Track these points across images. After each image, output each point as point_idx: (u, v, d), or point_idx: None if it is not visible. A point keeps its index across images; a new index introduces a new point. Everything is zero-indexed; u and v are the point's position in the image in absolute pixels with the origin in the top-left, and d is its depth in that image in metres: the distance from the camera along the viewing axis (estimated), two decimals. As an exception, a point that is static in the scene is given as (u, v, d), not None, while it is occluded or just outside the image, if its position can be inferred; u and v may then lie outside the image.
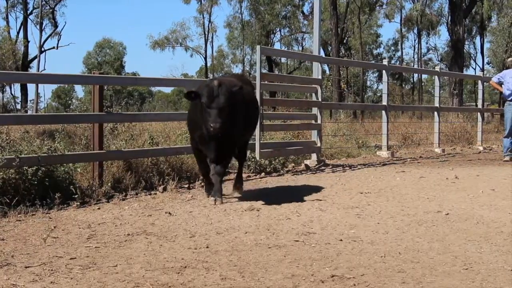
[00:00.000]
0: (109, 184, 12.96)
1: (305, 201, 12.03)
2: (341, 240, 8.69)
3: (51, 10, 75.56)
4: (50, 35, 75.80)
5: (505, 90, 20.75)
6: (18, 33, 75.55)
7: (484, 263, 7.68)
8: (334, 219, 10.10)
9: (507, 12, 61.08)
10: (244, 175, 15.32)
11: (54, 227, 9.78)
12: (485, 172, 16.89)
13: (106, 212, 11.21)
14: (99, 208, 11.54)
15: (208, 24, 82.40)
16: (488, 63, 77.16)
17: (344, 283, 6.97)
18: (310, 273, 7.34)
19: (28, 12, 74.33)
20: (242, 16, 79.64)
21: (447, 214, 10.71)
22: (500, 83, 21.52)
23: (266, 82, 18.73)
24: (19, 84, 67.24)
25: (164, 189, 13.36)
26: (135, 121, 17.09)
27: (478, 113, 28.12)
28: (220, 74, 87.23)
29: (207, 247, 8.62)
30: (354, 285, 6.90)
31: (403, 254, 8.02)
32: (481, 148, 25.87)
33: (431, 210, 11.15)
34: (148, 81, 18.63)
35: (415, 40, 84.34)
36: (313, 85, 19.49)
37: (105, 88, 15.28)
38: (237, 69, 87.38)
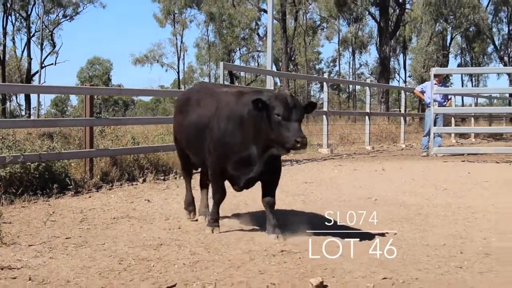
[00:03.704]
0: (98, 176, 12.91)
1: (259, 189, 12.02)
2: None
3: (50, 33, 75.01)
4: (49, 53, 75.15)
5: (426, 98, 20.91)
6: (22, 52, 74.91)
7: (405, 239, 7.74)
8: (284, 205, 10.10)
9: (424, 35, 61.54)
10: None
11: (53, 212, 9.74)
12: (406, 165, 16.99)
13: (96, 199, 11.17)
14: (90, 197, 11.50)
15: (180, 44, 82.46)
16: (409, 76, 77.59)
17: (291, 256, 7.00)
18: (263, 249, 7.37)
19: (31, 34, 73.72)
20: (208, 38, 79.75)
21: (376, 199, 10.77)
22: (422, 92, 21.69)
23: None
24: (24, 94, 66.70)
25: (144, 181, 13.33)
26: (120, 124, 17.07)
27: (401, 117, 28.28)
28: (191, 86, 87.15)
29: (179, 228, 8.64)
30: (299, 258, 6.93)
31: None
32: (403, 146, 26.00)
33: (362, 196, 11.21)
34: (130, 91, 18.66)
35: (350, 57, 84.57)
36: (267, 95, 19.38)
37: (95, 97, 15.16)
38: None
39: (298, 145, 7.37)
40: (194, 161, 9.17)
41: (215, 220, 8.46)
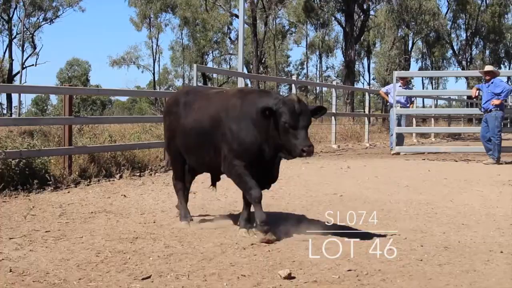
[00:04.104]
0: (77, 173, 12.83)
1: (230, 186, 12.02)
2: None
3: (31, 35, 74.55)
4: (30, 55, 74.67)
5: (390, 99, 20.98)
6: (4, 53, 74.23)
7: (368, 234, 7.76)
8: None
9: (387, 40, 61.81)
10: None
11: (33, 207, 9.68)
12: (370, 163, 17.05)
13: (74, 195, 11.11)
14: (68, 192, 11.43)
15: (156, 47, 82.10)
16: (373, 79, 77.88)
17: (261, 249, 7.02)
18: (234, 242, 7.39)
19: (13, 36, 73.30)
20: (182, 41, 79.53)
21: (341, 195, 10.80)
22: (387, 94, 21.77)
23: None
24: (5, 93, 66.22)
25: (121, 177, 13.28)
26: (98, 123, 17.08)
27: (366, 118, 28.35)
28: (165, 88, 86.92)
29: (154, 222, 8.62)
30: (269, 251, 6.94)
31: (307, 226, 8.08)
32: (367, 145, 26.07)
33: (329, 192, 11.23)
34: (108, 91, 18.57)
35: (317, 61, 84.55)
36: (238, 95, 19.39)
37: (74, 97, 15.10)
38: (178, 83, 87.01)
39: (304, 154, 7.12)
40: (196, 166, 8.53)
41: (265, 220, 7.55)
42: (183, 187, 8.77)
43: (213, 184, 8.85)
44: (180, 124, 8.33)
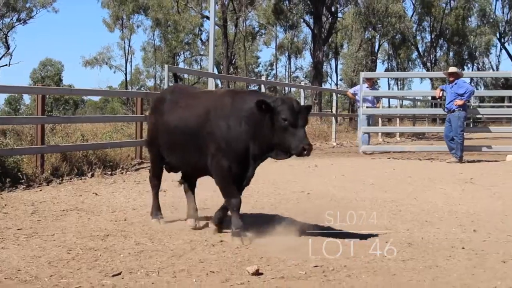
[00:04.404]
0: (49, 171, 12.75)
1: (201, 185, 12.01)
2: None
3: (4, 35, 73.88)
4: (4, 55, 74.05)
5: (358, 99, 21.06)
6: (-22, 53, 73.69)
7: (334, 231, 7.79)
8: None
9: (354, 42, 62.03)
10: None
11: (5, 205, 9.63)
12: (337, 162, 17.10)
13: (46, 193, 11.04)
14: (41, 190, 11.37)
15: (128, 48, 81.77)
16: (340, 80, 77.95)
17: (230, 246, 7.03)
18: (204, 239, 7.40)
19: (-14, 37, 72.71)
20: (154, 42, 79.25)
21: (308, 193, 10.83)
22: (355, 94, 21.88)
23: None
24: (-22, 93, 65.70)
25: (92, 175, 13.21)
26: (70, 122, 16.96)
27: (333, 117, 28.42)
28: (137, 88, 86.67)
29: (125, 220, 8.61)
30: (237, 248, 6.95)
31: (275, 223, 8.10)
32: (334, 144, 26.12)
33: (296, 190, 11.25)
34: (80, 91, 18.52)
35: (286, 62, 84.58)
36: (208, 96, 19.41)
37: (47, 97, 15.02)
38: (150, 83, 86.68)
39: (305, 153, 6.98)
40: (180, 165, 8.30)
41: (240, 227, 7.35)
42: (158, 185, 8.70)
43: (192, 190, 8.63)
44: (164, 121, 8.08)
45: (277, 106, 7.03)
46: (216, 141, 7.41)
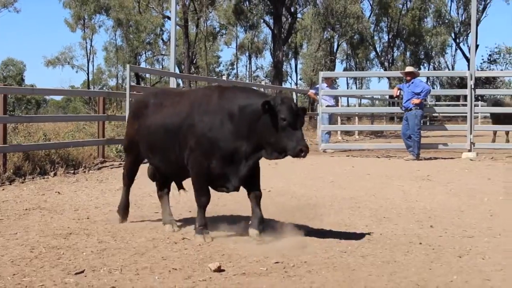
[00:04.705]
0: (11, 170, 12.63)
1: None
2: (190, 211, 8.72)
3: (-35, 35, 73.20)
4: (-35, 55, 73.48)
5: (320, 99, 21.12)
6: None
7: (296, 227, 7.80)
8: (185, 196, 10.03)
9: (313, 42, 62.30)
10: (116, 163, 15.20)
11: (-33, 204, 9.52)
12: (297, 159, 17.08)
13: (9, 192, 10.95)
14: (3, 189, 11.26)
15: (90, 48, 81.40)
16: (300, 79, 78.17)
17: (192, 243, 7.01)
18: (166, 237, 7.38)
19: None
20: (116, 42, 78.95)
21: (269, 191, 10.82)
22: (316, 94, 21.93)
23: (134, 92, 18.61)
24: None
25: (55, 174, 13.12)
26: (32, 121, 16.78)
27: (293, 116, 28.37)
28: (99, 87, 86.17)
29: (88, 218, 8.56)
30: (199, 245, 6.94)
31: (236, 220, 8.12)
32: (295, 142, 26.10)
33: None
34: (42, 91, 18.35)
35: (247, 61, 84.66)
36: (170, 95, 19.41)
37: (9, 96, 14.87)
38: (112, 83, 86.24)
39: (302, 154, 6.79)
40: (161, 166, 7.88)
41: (204, 225, 7.29)
42: (130, 184, 8.45)
43: (167, 195, 8.29)
44: (148, 124, 7.70)
45: (277, 106, 6.79)
46: (196, 134, 7.12)
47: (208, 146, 7.07)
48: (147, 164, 8.29)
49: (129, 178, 8.43)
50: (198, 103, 7.30)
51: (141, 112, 7.93)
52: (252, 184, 7.45)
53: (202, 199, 7.33)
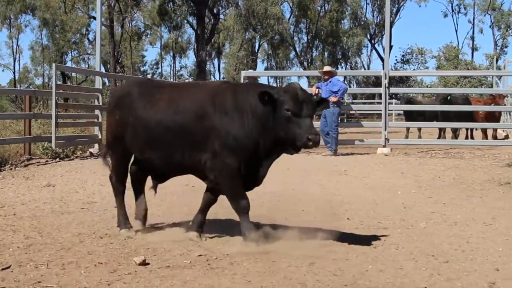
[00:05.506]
0: None
1: (90, 178, 11.89)
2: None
3: None
4: None
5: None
6: None
7: (216, 222, 7.82)
8: (111, 192, 9.95)
9: (236, 42, 62.50)
10: (42, 160, 15.00)
11: None
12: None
13: None
14: None
15: (16, 47, 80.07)
16: (223, 78, 78.13)
17: (117, 238, 6.98)
18: (92, 232, 7.34)
19: None
20: (42, 41, 77.67)
21: (193, 186, 10.81)
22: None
23: (61, 91, 18.41)
24: None
25: (-19, 172, 12.87)
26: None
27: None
28: (26, 86, 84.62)
29: (14, 215, 8.42)
30: (125, 239, 6.92)
31: (161, 216, 8.12)
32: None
33: (181, 183, 11.22)
34: (-32, 89, 17.77)
35: (171, 61, 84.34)
36: (96, 93, 19.32)
37: None
38: (38, 81, 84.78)
39: (310, 143, 6.22)
40: (158, 163, 7.07)
41: (254, 230, 6.67)
42: (123, 191, 7.49)
43: (143, 191, 7.56)
44: (138, 117, 6.97)
45: (280, 97, 6.36)
46: (220, 137, 6.56)
47: (235, 146, 6.54)
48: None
49: (121, 183, 7.46)
50: (212, 102, 6.69)
51: (125, 102, 7.16)
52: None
53: (242, 204, 6.77)
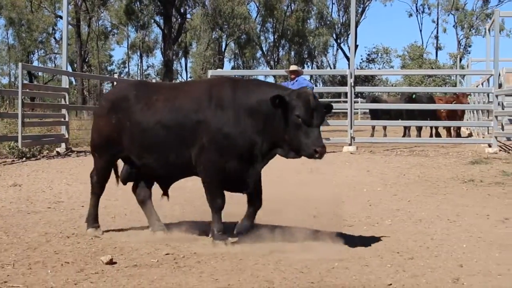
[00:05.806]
0: None
1: (56, 177, 11.79)
2: (82, 206, 8.57)
3: None
4: None
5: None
6: None
7: (185, 220, 7.79)
8: (78, 191, 9.95)
9: (203, 41, 62.51)
10: (8, 160, 14.85)
11: None
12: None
13: None
14: None
15: (-18, 46, 79.24)
16: (190, 77, 78.05)
17: (84, 237, 6.95)
18: (59, 231, 7.28)
19: None
20: (8, 41, 77.05)
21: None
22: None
23: (27, 90, 18.27)
24: None
25: None
26: None
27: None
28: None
29: (-20, 215, 8.31)
30: (92, 239, 6.87)
31: (128, 215, 8.06)
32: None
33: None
34: None
35: (138, 60, 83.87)
36: (63, 92, 19.22)
37: None
38: (5, 81, 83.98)
39: (317, 156, 6.07)
40: (155, 167, 6.88)
41: (222, 230, 6.61)
42: (100, 193, 7.29)
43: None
44: (138, 120, 6.76)
45: (292, 101, 6.14)
46: (209, 131, 6.41)
47: (224, 143, 6.39)
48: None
49: (100, 186, 7.27)
50: (207, 97, 6.54)
51: (121, 106, 6.91)
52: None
53: (218, 201, 6.63)
